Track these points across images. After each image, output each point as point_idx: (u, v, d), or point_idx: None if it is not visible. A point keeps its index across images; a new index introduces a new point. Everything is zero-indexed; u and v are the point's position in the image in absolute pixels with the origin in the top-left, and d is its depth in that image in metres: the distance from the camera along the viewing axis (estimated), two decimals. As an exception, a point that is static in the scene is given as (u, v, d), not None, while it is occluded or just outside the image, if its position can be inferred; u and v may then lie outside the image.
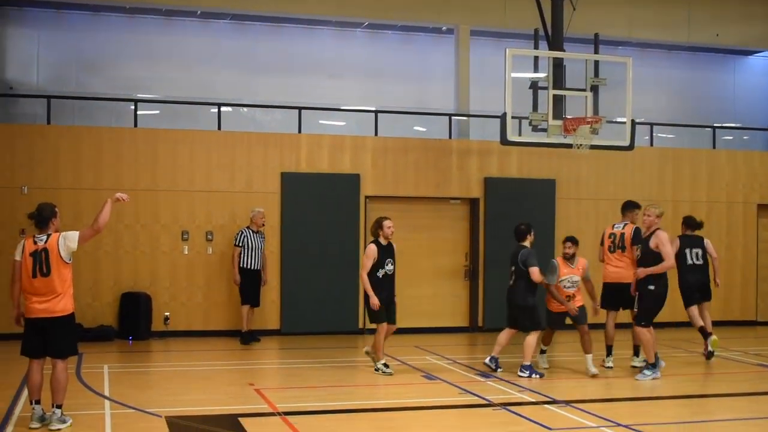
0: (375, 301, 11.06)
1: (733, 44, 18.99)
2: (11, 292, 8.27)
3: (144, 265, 14.70)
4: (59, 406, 8.16)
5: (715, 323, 15.46)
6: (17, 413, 8.70)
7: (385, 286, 11.16)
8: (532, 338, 11.15)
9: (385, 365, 11.26)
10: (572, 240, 11.49)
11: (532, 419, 8.67)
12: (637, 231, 11.70)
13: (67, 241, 8.13)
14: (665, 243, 10.92)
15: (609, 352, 11.98)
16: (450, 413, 9.22)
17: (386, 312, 11.19)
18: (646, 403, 9.91)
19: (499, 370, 11.36)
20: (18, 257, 8.15)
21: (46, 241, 8.12)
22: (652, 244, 10.94)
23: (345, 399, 9.86)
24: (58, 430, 8.06)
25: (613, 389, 10.73)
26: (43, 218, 8.22)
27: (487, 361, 11.49)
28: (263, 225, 14.43)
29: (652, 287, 10.95)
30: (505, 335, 11.44)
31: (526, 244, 11.36)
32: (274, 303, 15.11)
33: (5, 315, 13.08)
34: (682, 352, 13.46)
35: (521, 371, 11.10)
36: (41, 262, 8.05)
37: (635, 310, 11.36)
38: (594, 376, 11.10)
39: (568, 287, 11.36)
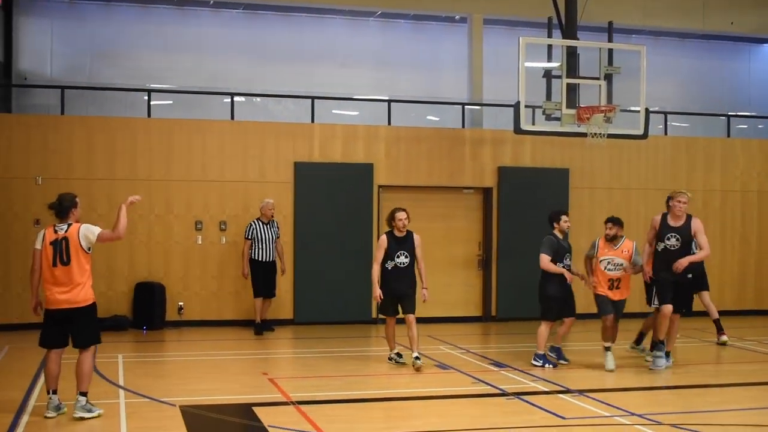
0: (376, 293, 11.04)
1: (748, 32, 18.86)
2: (30, 280, 8.33)
3: (158, 255, 14.75)
4: (84, 394, 8.16)
5: (729, 312, 15.50)
6: (32, 402, 8.75)
7: (394, 278, 11.05)
8: (543, 328, 11.10)
9: (398, 354, 11.27)
10: (613, 220, 10.98)
11: (545, 408, 8.67)
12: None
13: (87, 231, 8.17)
14: (703, 232, 10.81)
15: (639, 341, 12.04)
16: (463, 402, 9.22)
17: (398, 303, 11.15)
18: (659, 392, 9.90)
19: (562, 361, 11.24)
20: (38, 246, 8.19)
21: (66, 230, 8.16)
22: (693, 231, 10.75)
23: (358, 388, 9.89)
24: (82, 418, 8.04)
25: (626, 379, 10.67)
26: (63, 208, 8.26)
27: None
28: (273, 216, 14.42)
29: (690, 275, 10.83)
30: (565, 325, 11.32)
31: (556, 232, 11.17)
32: (287, 292, 15.14)
33: (21, 305, 13.23)
34: (696, 341, 13.42)
35: (535, 360, 11.08)
36: (61, 250, 8.09)
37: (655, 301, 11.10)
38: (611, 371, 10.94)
39: (611, 270, 10.92)
